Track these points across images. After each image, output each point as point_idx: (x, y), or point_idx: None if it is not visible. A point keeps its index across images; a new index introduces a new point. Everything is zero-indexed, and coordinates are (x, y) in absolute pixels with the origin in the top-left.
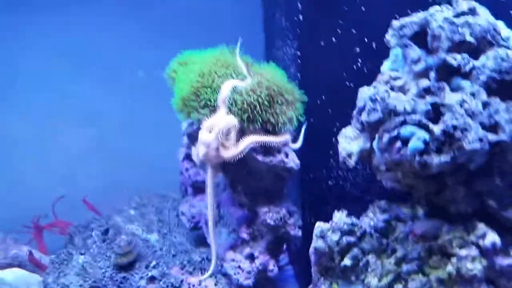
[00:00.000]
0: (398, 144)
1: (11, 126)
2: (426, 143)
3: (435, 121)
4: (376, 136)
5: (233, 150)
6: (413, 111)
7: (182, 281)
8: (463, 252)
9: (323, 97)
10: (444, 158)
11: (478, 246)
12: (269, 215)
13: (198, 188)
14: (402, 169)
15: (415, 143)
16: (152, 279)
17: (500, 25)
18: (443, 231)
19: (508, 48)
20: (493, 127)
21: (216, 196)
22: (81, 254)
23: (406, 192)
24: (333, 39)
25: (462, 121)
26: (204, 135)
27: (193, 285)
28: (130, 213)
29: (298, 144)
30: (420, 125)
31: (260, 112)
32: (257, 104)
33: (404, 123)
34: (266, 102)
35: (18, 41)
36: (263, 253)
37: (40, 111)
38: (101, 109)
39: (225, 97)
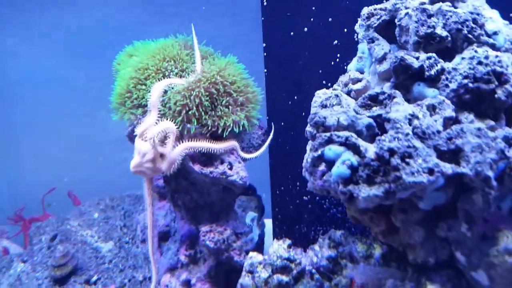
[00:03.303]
0: (322, 167)
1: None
2: (353, 168)
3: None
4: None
5: (167, 160)
6: (351, 126)
7: None
8: None
9: (295, 97)
10: (376, 191)
11: None
12: (210, 235)
13: (160, 194)
14: (335, 197)
15: (338, 168)
16: None
17: (492, 15)
18: (387, 286)
19: (493, 46)
20: (456, 154)
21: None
22: (23, 261)
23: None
24: (305, 29)
25: (404, 143)
26: (139, 143)
27: None
28: (93, 217)
29: (253, 154)
30: (347, 145)
31: (196, 115)
32: (194, 106)
33: (330, 141)
34: (206, 103)
35: None
36: (202, 280)
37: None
38: None
39: (156, 99)
